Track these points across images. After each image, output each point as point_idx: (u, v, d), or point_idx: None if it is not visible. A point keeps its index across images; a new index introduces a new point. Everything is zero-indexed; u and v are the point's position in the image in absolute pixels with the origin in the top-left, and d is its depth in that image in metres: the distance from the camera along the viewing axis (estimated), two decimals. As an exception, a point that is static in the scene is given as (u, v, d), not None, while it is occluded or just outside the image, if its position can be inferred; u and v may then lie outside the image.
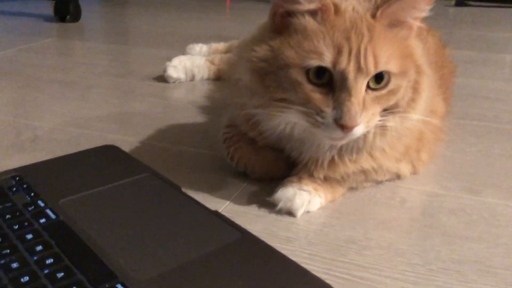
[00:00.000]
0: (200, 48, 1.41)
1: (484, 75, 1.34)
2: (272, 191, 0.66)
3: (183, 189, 0.64)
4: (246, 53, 0.61)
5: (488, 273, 0.53)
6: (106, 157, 0.74)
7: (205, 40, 1.48)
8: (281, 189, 0.65)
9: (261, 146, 0.69)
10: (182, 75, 1.23)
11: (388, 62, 0.55)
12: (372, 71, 0.55)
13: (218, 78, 1.26)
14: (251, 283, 0.46)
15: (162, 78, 1.24)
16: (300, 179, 0.66)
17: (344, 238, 0.59)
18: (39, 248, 0.50)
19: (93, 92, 1.16)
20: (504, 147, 0.86)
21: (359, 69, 0.54)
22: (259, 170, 0.71)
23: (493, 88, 1.22)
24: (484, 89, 1.21)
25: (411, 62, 0.59)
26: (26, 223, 0.54)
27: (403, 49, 0.58)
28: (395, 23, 0.58)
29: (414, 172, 0.74)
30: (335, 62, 0.54)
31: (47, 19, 2.10)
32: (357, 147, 0.62)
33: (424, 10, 0.58)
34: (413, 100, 0.60)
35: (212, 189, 0.69)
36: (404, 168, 0.71)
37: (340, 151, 0.63)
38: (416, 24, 0.59)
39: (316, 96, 0.56)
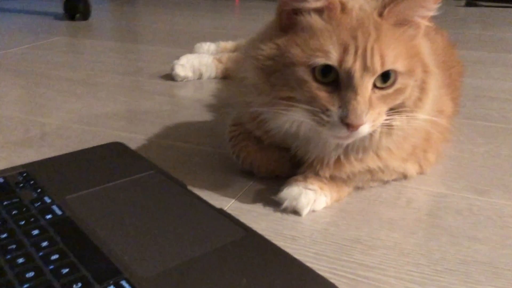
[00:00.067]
0: (208, 46, 1.41)
1: (494, 76, 1.33)
2: (278, 189, 0.66)
3: (189, 187, 0.64)
4: (252, 51, 0.61)
5: (494, 274, 0.53)
6: (113, 154, 0.74)
7: (214, 38, 1.48)
8: (286, 187, 0.65)
9: (267, 145, 0.69)
10: (189, 74, 1.23)
11: (394, 61, 0.55)
12: (379, 70, 0.54)
13: (226, 76, 1.26)
14: (255, 281, 0.46)
15: (170, 77, 1.24)
16: (305, 178, 0.65)
17: (350, 238, 0.59)
18: (44, 244, 0.50)
19: (101, 90, 1.16)
20: (512, 148, 0.85)
21: (365, 68, 0.54)
22: (265, 169, 0.71)
23: (502, 88, 1.21)
24: (493, 90, 1.20)
25: (418, 61, 0.58)
26: (32, 219, 0.55)
27: (410, 48, 0.58)
28: (403, 22, 0.57)
29: (421, 172, 0.73)
30: (341, 61, 0.54)
31: (57, 17, 2.12)
32: (363, 146, 0.62)
33: (431, 9, 0.57)
34: (420, 99, 0.60)
35: (217, 187, 0.69)
36: (411, 168, 0.71)
37: (346, 150, 0.63)
38: (424, 23, 0.59)
39: (322, 94, 0.55)
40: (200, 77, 1.25)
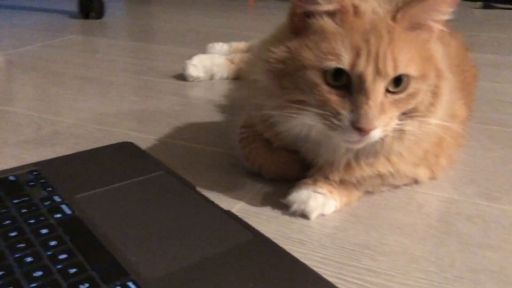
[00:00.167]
0: (220, 47, 1.41)
1: (509, 79, 1.31)
2: (286, 192, 0.65)
3: (198, 188, 0.64)
4: (263, 54, 0.60)
5: (505, 283, 0.52)
6: (123, 154, 0.74)
7: (227, 39, 1.48)
8: (295, 191, 0.65)
9: (277, 147, 0.69)
10: (201, 74, 1.23)
11: (407, 66, 0.54)
12: (391, 74, 0.54)
13: (238, 77, 1.26)
14: (261, 285, 0.46)
15: (182, 76, 1.24)
16: (315, 182, 0.65)
17: (358, 243, 0.58)
18: (53, 243, 0.50)
19: (113, 89, 1.17)
20: (526, 154, 0.84)
21: (377, 72, 0.53)
22: (274, 171, 0.70)
23: (517, 93, 1.20)
24: (509, 94, 1.18)
25: (431, 65, 0.58)
26: (41, 218, 0.55)
27: (423, 53, 0.57)
28: (416, 26, 0.57)
29: (432, 177, 0.72)
30: (353, 64, 0.53)
31: (71, 15, 2.13)
32: (374, 150, 0.62)
33: (446, 12, 0.57)
34: (432, 104, 0.59)
35: (226, 189, 0.69)
36: (422, 173, 0.70)
37: (357, 154, 0.63)
38: (438, 27, 0.58)
39: (333, 98, 0.55)
40: (212, 77, 1.25)
